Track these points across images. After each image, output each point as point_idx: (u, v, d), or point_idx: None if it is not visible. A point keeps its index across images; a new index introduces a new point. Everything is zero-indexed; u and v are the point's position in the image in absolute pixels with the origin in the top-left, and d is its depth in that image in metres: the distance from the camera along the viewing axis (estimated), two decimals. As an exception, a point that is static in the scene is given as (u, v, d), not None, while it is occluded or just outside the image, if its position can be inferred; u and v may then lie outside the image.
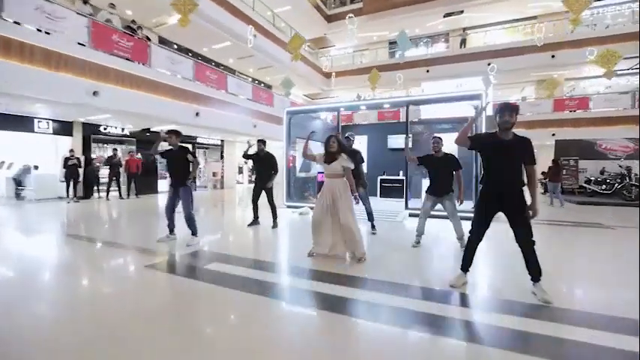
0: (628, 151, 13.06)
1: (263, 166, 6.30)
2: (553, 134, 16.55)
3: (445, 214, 4.88)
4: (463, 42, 20.28)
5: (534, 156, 3.04)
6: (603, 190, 12.15)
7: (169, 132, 4.89)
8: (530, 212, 3.01)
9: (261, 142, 6.33)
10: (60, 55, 7.31)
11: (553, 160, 11.30)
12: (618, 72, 18.46)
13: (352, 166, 4.06)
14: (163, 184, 13.77)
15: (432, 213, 6.70)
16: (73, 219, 7.44)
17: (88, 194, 10.83)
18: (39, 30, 7.08)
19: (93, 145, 11.41)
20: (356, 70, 21.64)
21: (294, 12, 17.90)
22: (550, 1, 17.61)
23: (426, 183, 8.79)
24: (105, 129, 11.46)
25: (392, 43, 23.00)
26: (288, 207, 9.12)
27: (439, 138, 4.74)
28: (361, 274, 3.57)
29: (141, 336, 2.26)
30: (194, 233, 4.92)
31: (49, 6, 7.15)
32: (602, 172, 12.83)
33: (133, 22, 9.65)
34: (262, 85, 19.01)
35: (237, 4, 13.71)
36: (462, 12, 19.20)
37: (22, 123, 9.61)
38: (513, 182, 3.03)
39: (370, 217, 5.80)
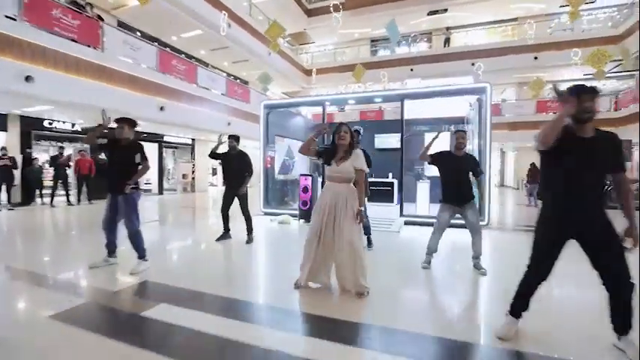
0: None
1: (234, 167, 5.14)
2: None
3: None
4: (447, 41, 19.80)
5: (623, 159, 2.10)
6: None
7: (121, 120, 3.67)
8: (628, 240, 2.05)
9: (233, 139, 5.17)
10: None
11: (532, 163, 11.54)
12: (591, 76, 18.76)
13: (367, 169, 3.01)
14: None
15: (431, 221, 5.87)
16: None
17: (27, 200, 9.24)
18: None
19: (35, 142, 9.81)
20: (338, 67, 20.69)
21: (273, 3, 16.76)
22: (531, 3, 17.48)
23: (421, 187, 7.97)
24: (50, 124, 9.84)
25: (374, 41, 22.41)
26: (266, 214, 7.98)
27: (464, 132, 3.75)
28: (366, 320, 2.52)
29: None
30: (141, 256, 3.69)
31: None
32: None
33: (82, -3, 8.24)
34: (238, 80, 17.71)
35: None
36: (446, 10, 18.79)
37: None
38: (596, 197, 2.07)
39: (367, 230, 4.77)
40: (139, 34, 12.36)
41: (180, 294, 3.03)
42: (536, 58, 17.08)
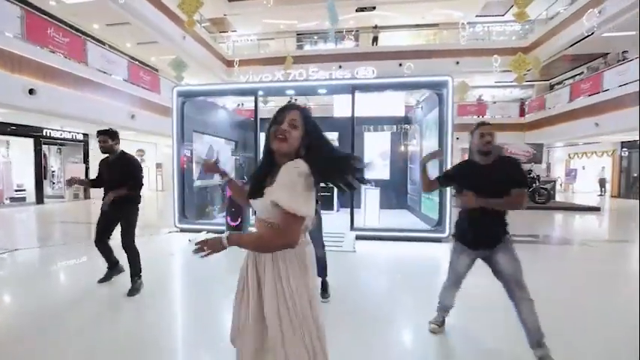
0: (528, 156, 13.64)
1: (115, 177, 3.27)
2: (457, 138, 16.97)
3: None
4: (375, 40, 19.63)
5: None
6: None
7: None
8: None
9: (106, 135, 3.25)
10: None
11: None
12: (502, 83, 20.35)
13: (296, 209, 1.21)
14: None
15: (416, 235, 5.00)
16: None
17: None
18: None
19: None
20: (262, 59, 19.18)
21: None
22: (451, 9, 18.27)
23: (371, 193, 6.99)
24: None
25: (300, 35, 21.39)
26: (182, 231, 6.27)
27: (490, 125, 2.29)
28: None
29: None
30: None
31: None
32: None
33: None
34: (148, 68, 15.04)
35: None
36: (374, 8, 18.67)
37: None
38: None
39: (322, 268, 3.14)
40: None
41: None
42: (457, 63, 17.79)
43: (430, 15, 18.92)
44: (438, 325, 2.51)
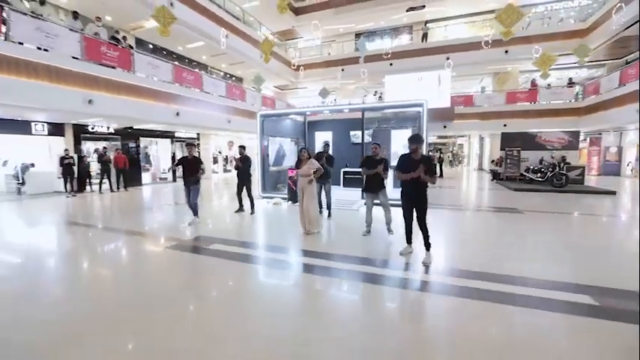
0: (563, 143, 14.44)
1: (242, 163, 7.78)
2: (505, 125, 18.09)
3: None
4: (425, 36, 21.37)
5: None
6: (538, 177, 13.44)
7: (189, 144, 6.66)
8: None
9: (242, 148, 7.85)
10: (57, 68, 8.31)
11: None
12: (565, 65, 19.60)
13: (316, 166, 5.84)
14: (147, 177, 15.08)
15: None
16: (87, 211, 8.76)
17: (81, 188, 11.91)
18: (39, 48, 8.04)
19: (82, 142, 12.41)
20: (323, 63, 22.89)
21: (262, 6, 18.69)
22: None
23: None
24: (92, 128, 12.41)
25: (358, 35, 24.09)
26: (264, 198, 10.59)
27: (378, 144, 5.79)
28: (334, 251, 5.19)
29: (172, 297, 3.82)
30: (196, 214, 6.79)
31: (46, 25, 8.10)
32: (540, 162, 14.09)
33: (117, 32, 10.54)
34: (233, 78, 20.01)
35: (208, 5, 14.58)
36: (423, 7, 19.99)
37: (20, 126, 10.60)
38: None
39: (328, 206, 7.53)
40: (150, 46, 14.65)
41: (222, 239, 5.71)
42: (506, 52, 18.48)
43: (484, 3, 19.44)
44: (369, 232, 6.10)
